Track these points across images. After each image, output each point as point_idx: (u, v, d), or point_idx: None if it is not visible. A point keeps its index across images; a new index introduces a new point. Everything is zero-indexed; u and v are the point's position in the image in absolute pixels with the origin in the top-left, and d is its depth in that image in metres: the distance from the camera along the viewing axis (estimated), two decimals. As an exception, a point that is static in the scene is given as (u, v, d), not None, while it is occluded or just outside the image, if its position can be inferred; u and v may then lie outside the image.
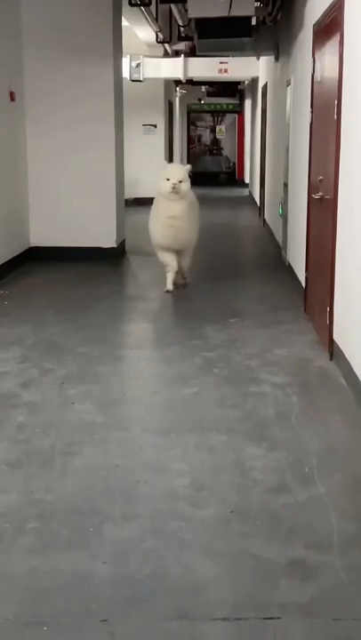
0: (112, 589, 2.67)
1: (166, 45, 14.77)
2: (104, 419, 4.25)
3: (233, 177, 24.30)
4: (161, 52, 15.49)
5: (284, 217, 8.84)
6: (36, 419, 4.24)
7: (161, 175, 7.19)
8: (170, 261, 7.42)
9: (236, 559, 2.86)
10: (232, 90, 22.47)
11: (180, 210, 7.17)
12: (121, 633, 2.46)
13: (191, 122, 25.36)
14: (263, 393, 4.66)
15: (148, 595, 2.64)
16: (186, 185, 7.12)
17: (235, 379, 4.92)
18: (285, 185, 8.75)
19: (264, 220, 12.90)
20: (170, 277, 7.44)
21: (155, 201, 7.41)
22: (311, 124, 6.33)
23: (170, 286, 7.43)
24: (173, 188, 7.01)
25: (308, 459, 3.70)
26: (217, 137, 25.57)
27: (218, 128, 25.46)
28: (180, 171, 7.23)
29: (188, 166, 7.41)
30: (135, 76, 15.16)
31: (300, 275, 7.00)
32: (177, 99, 21.09)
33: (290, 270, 8.09)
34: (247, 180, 20.87)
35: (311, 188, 6.19)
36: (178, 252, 7.41)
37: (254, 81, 16.76)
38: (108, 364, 5.24)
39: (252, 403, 4.49)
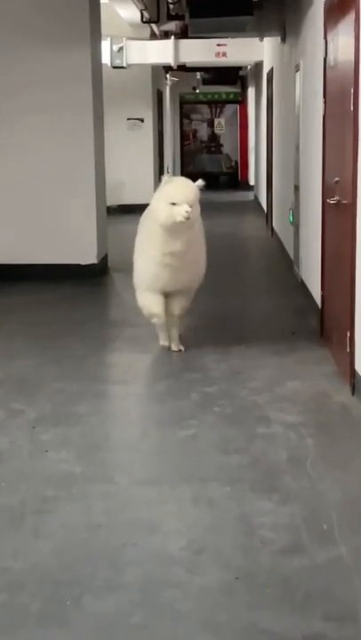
0: (94, 674, 2.65)
1: (153, 26, 14.93)
2: (84, 468, 4.24)
3: (235, 178, 24.50)
4: (147, 33, 15.65)
5: (296, 225, 8.90)
6: (1, 470, 4.24)
7: (160, 197, 5.83)
8: (156, 308, 6.16)
9: (243, 634, 2.85)
10: (232, 76, 22.70)
11: (183, 244, 5.89)
12: None
13: (185, 114, 25.60)
14: (273, 434, 4.66)
15: None
16: (197, 209, 5.88)
17: (239, 418, 4.92)
18: (296, 188, 8.82)
19: (272, 228, 12.98)
20: (161, 329, 6.42)
21: (146, 230, 6.09)
22: (324, 117, 6.40)
23: (164, 341, 6.42)
24: (187, 217, 5.69)
25: (326, 513, 3.70)
26: (215, 132, 25.78)
27: (216, 121, 25.69)
28: (190, 191, 5.83)
29: (200, 182, 5.93)
30: (117, 62, 15.31)
31: (316, 293, 7.03)
32: (167, 88, 21.29)
33: (303, 288, 8.13)
34: (252, 182, 21.02)
35: (326, 192, 6.23)
36: (171, 294, 6.25)
37: (258, 66, 16.95)
38: (88, 403, 5.24)
39: (260, 446, 4.49)
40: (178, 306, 6.27)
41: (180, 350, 6.30)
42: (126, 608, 3.00)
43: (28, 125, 9.54)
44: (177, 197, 5.73)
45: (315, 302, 7.10)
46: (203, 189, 5.90)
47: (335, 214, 5.91)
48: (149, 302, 6.18)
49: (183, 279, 6.12)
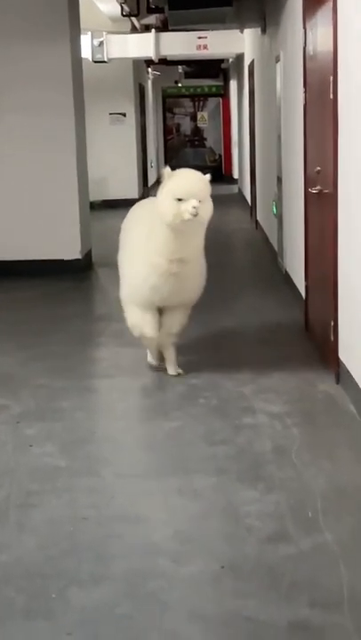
0: (80, 665, 2.66)
1: (134, 19, 14.93)
2: (69, 462, 4.24)
3: (219, 172, 24.45)
4: (128, 27, 15.64)
5: (279, 216, 8.91)
6: (-15, 466, 4.24)
7: (164, 192, 5.05)
8: (150, 328, 5.41)
9: (229, 623, 2.86)
10: (214, 69, 22.71)
11: (195, 249, 5.25)
12: None
13: (168, 108, 25.58)
14: (258, 425, 4.68)
15: (123, 670, 2.63)
16: (209, 206, 5.06)
17: (224, 409, 4.93)
18: (279, 179, 8.83)
19: (257, 221, 13.00)
20: (150, 349, 5.74)
21: (142, 234, 5.30)
22: (305, 106, 6.41)
23: (153, 360, 5.75)
24: (195, 214, 4.90)
25: (312, 501, 3.71)
26: (199, 125, 25.78)
27: (199, 115, 25.69)
28: (199, 184, 5.07)
29: (208, 176, 5.16)
30: (98, 57, 15.29)
31: (300, 284, 7.04)
32: (149, 82, 21.28)
33: (288, 280, 8.15)
34: (236, 175, 21.03)
35: (308, 182, 6.25)
36: (165, 313, 5.49)
37: (239, 58, 16.95)
38: (73, 398, 5.24)
39: (246, 437, 4.51)
40: (176, 322, 5.46)
41: (179, 374, 5.54)
42: (112, 599, 3.00)
43: (8, 122, 9.51)
44: (183, 192, 4.92)
45: (299, 294, 7.11)
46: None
47: (317, 204, 5.92)
48: (143, 321, 5.37)
49: (187, 291, 5.34)
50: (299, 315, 6.88)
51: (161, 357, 5.68)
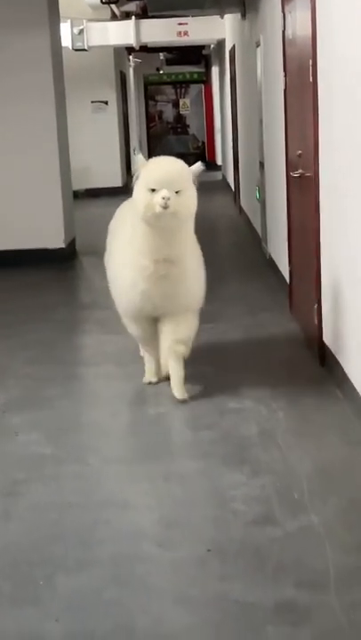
0: (67, 650, 2.66)
1: (113, 7, 14.85)
2: (54, 450, 4.24)
3: (203, 159, 24.37)
4: (108, 14, 15.56)
5: (262, 202, 8.90)
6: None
7: (138, 180, 4.53)
8: (149, 339, 4.95)
9: (215, 605, 2.87)
10: (196, 56, 22.60)
11: (181, 246, 4.63)
12: None
13: (150, 96, 25.46)
14: (243, 409, 4.68)
15: (111, 654, 2.64)
16: (189, 199, 4.49)
17: (209, 394, 4.93)
18: (261, 164, 8.83)
19: (240, 207, 12.99)
20: (151, 364, 5.09)
21: (129, 232, 4.74)
22: (285, 90, 6.40)
23: (151, 377, 5.09)
24: (164, 206, 4.34)
25: (297, 483, 3.73)
26: (181, 112, 25.69)
27: (182, 102, 25.59)
28: (174, 172, 4.50)
29: (199, 165, 4.61)
30: (79, 45, 15.21)
31: (284, 269, 7.05)
32: (131, 69, 21.18)
33: (272, 264, 8.15)
34: (219, 162, 20.99)
35: (289, 165, 6.24)
36: (166, 319, 4.80)
37: (220, 44, 16.90)
38: (58, 386, 5.23)
39: (231, 421, 4.51)
40: (181, 329, 4.77)
41: (185, 400, 4.76)
42: (99, 584, 3.01)
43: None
44: (155, 181, 4.38)
45: (283, 278, 7.11)
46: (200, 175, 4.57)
47: (299, 187, 5.92)
48: (140, 331, 4.95)
49: (182, 295, 4.72)
50: (283, 299, 6.88)
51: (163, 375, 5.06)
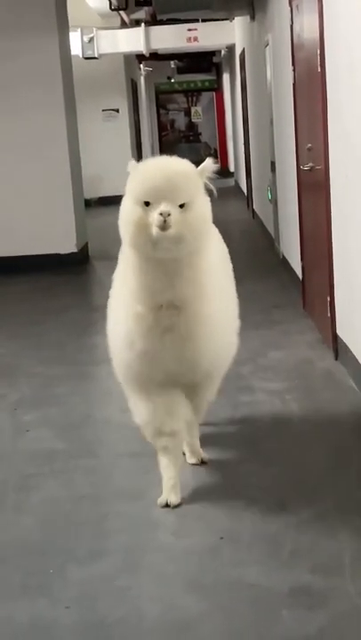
0: (77, 637, 2.62)
1: (123, 14, 14.91)
2: (65, 445, 4.21)
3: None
4: (117, 22, 15.62)
5: (274, 201, 8.87)
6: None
7: (127, 193, 3.17)
8: (164, 421, 3.38)
9: (228, 591, 2.82)
10: (207, 63, 22.64)
11: (188, 285, 3.19)
12: None
13: (161, 104, 25.53)
14: (257, 402, 4.64)
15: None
16: (199, 214, 3.12)
17: (223, 388, 4.86)
18: (273, 164, 8.80)
19: (253, 211, 12.96)
20: (169, 466, 3.45)
21: (122, 266, 3.39)
22: (294, 85, 6.37)
23: (172, 496, 3.42)
24: (162, 226, 3.01)
25: (311, 472, 3.68)
26: (193, 121, 25.73)
27: (193, 110, 25.63)
28: (178, 177, 3.11)
29: (210, 162, 3.20)
30: (89, 53, 15.27)
31: (297, 267, 7.00)
32: (142, 78, 21.25)
33: (285, 263, 8.11)
34: (232, 169, 20.99)
35: (300, 159, 6.21)
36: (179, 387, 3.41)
37: (230, 50, 16.90)
38: (69, 384, 5.20)
39: (244, 414, 4.47)
40: (195, 405, 3.53)
41: (204, 461, 3.79)
42: (110, 573, 2.97)
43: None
44: (149, 190, 3.05)
45: (296, 276, 7.07)
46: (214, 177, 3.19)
47: (310, 181, 5.88)
48: (151, 410, 3.39)
49: (201, 355, 3.28)
50: (297, 297, 6.84)
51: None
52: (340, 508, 3.31)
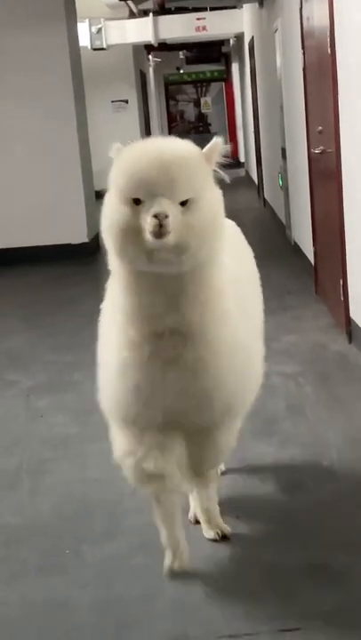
0: (94, 615, 2.63)
1: (131, 4, 14.85)
2: (79, 430, 4.21)
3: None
4: (126, 12, 15.57)
5: (285, 188, 8.85)
6: (-4, 436, 4.23)
7: (110, 184, 2.40)
8: (150, 455, 2.62)
9: (245, 568, 2.82)
10: (216, 53, 22.61)
11: (195, 307, 2.44)
12: (107, 663, 2.41)
13: (170, 96, 25.51)
14: (271, 386, 4.60)
15: (139, 617, 2.60)
16: (208, 212, 2.35)
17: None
18: (283, 150, 8.77)
19: (264, 199, 12.93)
20: (164, 524, 2.82)
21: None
22: (304, 69, 6.34)
23: (175, 562, 2.80)
24: (158, 232, 2.25)
25: (327, 453, 3.68)
26: (203, 111, 25.70)
27: (203, 101, 25.59)
28: (177, 164, 2.30)
29: (218, 142, 2.40)
30: (97, 44, 15.23)
31: (309, 253, 6.98)
32: (150, 69, 21.21)
33: (296, 250, 8.09)
34: (242, 159, 20.94)
35: (311, 143, 6.18)
36: (183, 434, 2.64)
37: (239, 39, 16.86)
38: (82, 371, 5.19)
39: (259, 397, 4.43)
40: (206, 455, 2.71)
41: (226, 536, 2.99)
42: (126, 553, 2.98)
43: (7, 112, 9.48)
44: (139, 183, 2.30)
45: (308, 262, 7.05)
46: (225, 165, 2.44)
47: (321, 165, 5.86)
48: (129, 439, 2.66)
49: (212, 395, 2.54)
50: (309, 282, 6.82)
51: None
52: (357, 489, 3.31)
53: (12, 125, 9.52)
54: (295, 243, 8.26)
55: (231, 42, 19.85)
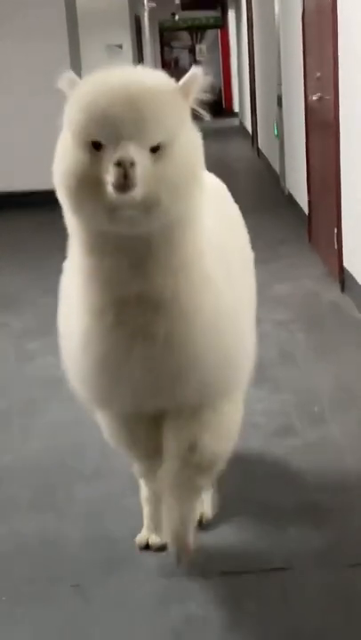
0: (84, 551, 2.66)
1: None
2: (71, 372, 4.21)
3: (220, 106, 24.17)
4: None
5: (280, 137, 8.78)
6: (-13, 377, 4.24)
7: (65, 127, 1.99)
8: (142, 454, 2.52)
9: (236, 506, 2.85)
10: (212, 0, 22.27)
11: (168, 269, 2.02)
12: (96, 596, 2.44)
13: (165, 42, 25.16)
14: (263, 333, 4.52)
15: (128, 554, 2.62)
16: (184, 158, 1.91)
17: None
18: (279, 98, 8.68)
19: (258, 149, 12.85)
20: (150, 502, 2.66)
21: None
22: (303, 13, 6.25)
23: (150, 532, 2.66)
24: (122, 184, 1.81)
25: (317, 398, 3.70)
26: (197, 59, 25.36)
27: (198, 48, 25.26)
28: (145, 98, 1.86)
29: (196, 73, 1.99)
30: (92, -14, 14.96)
31: (303, 202, 6.96)
32: (145, 14, 20.87)
33: (290, 200, 8.06)
34: (237, 109, 20.76)
35: (308, 90, 6.12)
36: (172, 417, 2.32)
37: (237, -15, 16.59)
38: (74, 314, 5.20)
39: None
40: (198, 432, 2.30)
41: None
42: (117, 491, 3.00)
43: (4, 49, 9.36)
44: (101, 123, 1.86)
45: (302, 212, 7.03)
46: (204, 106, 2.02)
47: (318, 112, 5.81)
48: (121, 440, 2.54)
49: (187, 370, 2.14)
50: (302, 232, 6.80)
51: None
52: (347, 434, 3.33)
53: (3, 66, 9.39)
54: (289, 193, 8.22)
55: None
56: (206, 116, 2.03)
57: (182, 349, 2.08)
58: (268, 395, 3.77)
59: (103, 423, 2.54)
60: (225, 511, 2.84)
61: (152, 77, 1.95)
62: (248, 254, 2.83)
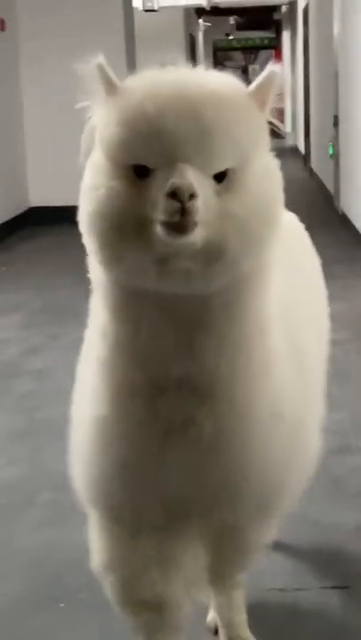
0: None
1: (185, -34, 14.75)
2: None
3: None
4: (179, -26, 15.46)
5: (336, 157, 8.77)
6: (43, 387, 4.27)
7: (97, 147, 1.51)
8: (146, 574, 1.72)
9: (293, 526, 2.82)
10: (267, 20, 22.38)
11: (222, 348, 1.48)
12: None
13: (218, 61, 25.29)
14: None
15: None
16: (259, 195, 1.40)
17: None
18: (336, 118, 8.68)
19: (310, 169, 12.84)
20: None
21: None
22: (365, 34, 6.26)
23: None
24: (179, 222, 1.28)
25: (374, 418, 3.67)
26: (250, 79, 25.47)
27: (251, 68, 25.36)
28: (210, 114, 1.34)
29: (275, 71, 1.44)
30: (149, 5, 15.11)
31: (357, 221, 6.93)
32: (200, 33, 21.05)
33: (344, 220, 8.03)
34: (288, 129, 20.80)
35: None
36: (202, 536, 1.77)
37: (293, 6, 16.66)
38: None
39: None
40: (231, 556, 1.88)
41: None
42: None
43: (61, 70, 9.42)
44: (150, 142, 1.34)
45: (357, 232, 7.01)
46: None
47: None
48: (114, 543, 1.75)
49: (241, 481, 1.60)
50: (357, 252, 6.78)
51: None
52: None
53: (65, 86, 9.46)
54: (343, 213, 8.20)
55: (283, 7, 19.63)
56: (284, 133, 1.56)
57: (233, 455, 1.56)
58: (325, 414, 3.74)
59: (100, 542, 1.77)
60: (283, 527, 2.82)
61: (218, 79, 1.47)
62: (325, 324, 2.30)
